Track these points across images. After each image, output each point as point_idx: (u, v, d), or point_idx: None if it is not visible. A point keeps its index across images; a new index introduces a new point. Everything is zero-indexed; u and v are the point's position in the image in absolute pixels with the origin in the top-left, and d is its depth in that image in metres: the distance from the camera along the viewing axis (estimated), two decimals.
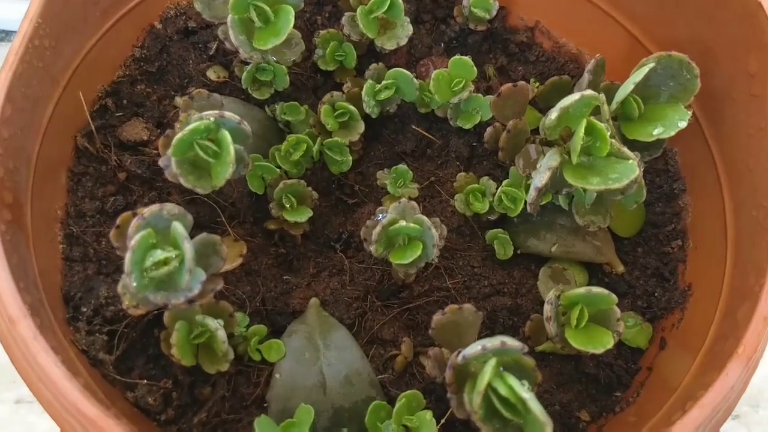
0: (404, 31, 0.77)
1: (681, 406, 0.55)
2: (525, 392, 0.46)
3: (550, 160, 0.60)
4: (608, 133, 0.57)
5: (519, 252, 0.75)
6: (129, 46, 0.80)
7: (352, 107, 0.74)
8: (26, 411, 0.86)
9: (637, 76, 0.64)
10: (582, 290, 0.59)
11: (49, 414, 0.51)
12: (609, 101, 0.64)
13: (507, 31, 0.88)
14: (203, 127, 0.56)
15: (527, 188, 0.69)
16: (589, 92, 0.59)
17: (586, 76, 0.68)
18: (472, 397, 0.48)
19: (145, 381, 0.61)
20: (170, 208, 0.51)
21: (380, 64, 0.78)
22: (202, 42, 0.82)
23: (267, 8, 0.64)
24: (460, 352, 0.50)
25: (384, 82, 0.75)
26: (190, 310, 0.58)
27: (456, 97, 0.74)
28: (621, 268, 0.75)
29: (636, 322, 0.72)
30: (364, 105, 0.75)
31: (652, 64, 0.64)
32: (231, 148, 0.56)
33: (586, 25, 0.84)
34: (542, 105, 0.81)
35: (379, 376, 0.66)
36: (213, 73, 0.80)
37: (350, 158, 0.75)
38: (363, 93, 0.75)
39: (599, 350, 0.58)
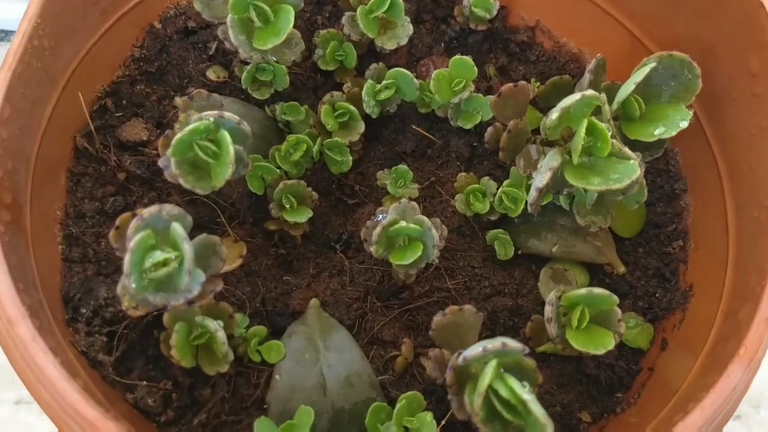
0: (404, 30, 0.76)
1: (683, 407, 0.55)
2: (526, 394, 0.46)
3: (551, 160, 0.60)
4: (609, 134, 0.57)
5: (520, 252, 0.74)
6: (128, 46, 0.80)
7: (352, 107, 0.74)
8: (26, 412, 0.86)
9: (639, 75, 0.63)
10: (583, 291, 0.59)
11: (47, 415, 0.50)
12: (610, 101, 0.64)
13: (508, 31, 0.88)
14: (203, 127, 0.56)
15: (528, 188, 0.69)
16: (590, 92, 0.58)
17: (587, 76, 0.68)
18: (472, 398, 0.48)
19: (145, 382, 0.61)
20: (169, 209, 0.51)
21: (380, 63, 0.78)
22: (201, 42, 0.82)
23: (267, 8, 0.63)
24: (460, 354, 0.50)
25: (384, 82, 0.74)
26: (189, 311, 0.58)
27: (456, 97, 0.74)
28: (622, 269, 0.75)
29: (637, 322, 0.72)
30: (365, 105, 0.75)
31: (653, 64, 0.64)
32: (230, 149, 0.56)
33: (586, 24, 0.84)
34: (543, 105, 0.81)
35: (380, 377, 0.66)
36: (213, 73, 0.80)
37: (350, 158, 0.75)
38: (363, 93, 0.75)
39: (600, 351, 0.57)
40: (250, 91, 0.77)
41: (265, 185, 0.71)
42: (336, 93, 0.76)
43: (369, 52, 0.81)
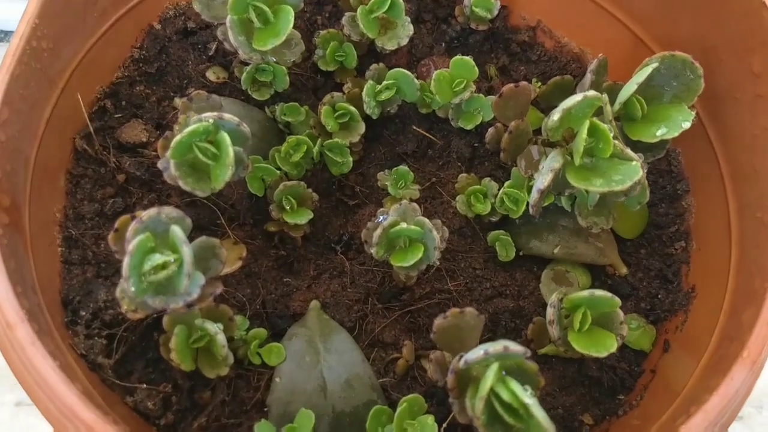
0: (405, 31, 0.76)
1: (685, 410, 0.54)
2: (528, 397, 0.45)
3: (552, 161, 0.60)
4: (611, 135, 0.56)
5: (521, 254, 0.74)
6: (128, 46, 0.79)
7: (352, 108, 0.74)
8: (26, 414, 0.86)
9: (640, 76, 0.63)
10: (585, 293, 0.58)
11: (46, 419, 0.50)
12: (612, 102, 0.64)
13: (508, 31, 0.88)
14: (202, 129, 0.55)
15: (529, 189, 0.69)
16: (592, 93, 0.58)
17: (588, 77, 0.68)
18: (474, 402, 0.48)
19: (145, 385, 0.61)
20: (169, 211, 0.51)
21: (381, 64, 0.77)
22: (201, 42, 0.82)
23: (266, 9, 0.63)
24: (462, 357, 0.49)
25: (385, 83, 0.74)
26: (189, 314, 0.57)
27: (457, 98, 0.74)
28: (624, 270, 0.74)
29: (639, 324, 0.72)
30: (365, 106, 0.75)
31: (655, 64, 0.64)
32: (230, 150, 0.55)
33: (588, 24, 0.83)
34: (544, 105, 0.81)
35: (380, 380, 0.65)
36: (212, 74, 0.80)
37: (351, 159, 0.74)
38: (363, 94, 0.74)
39: (602, 354, 0.57)
40: (249, 92, 0.76)
41: (265, 186, 0.71)
42: (336, 94, 0.75)
43: (369, 53, 0.81)
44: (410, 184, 0.76)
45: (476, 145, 0.80)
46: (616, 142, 0.57)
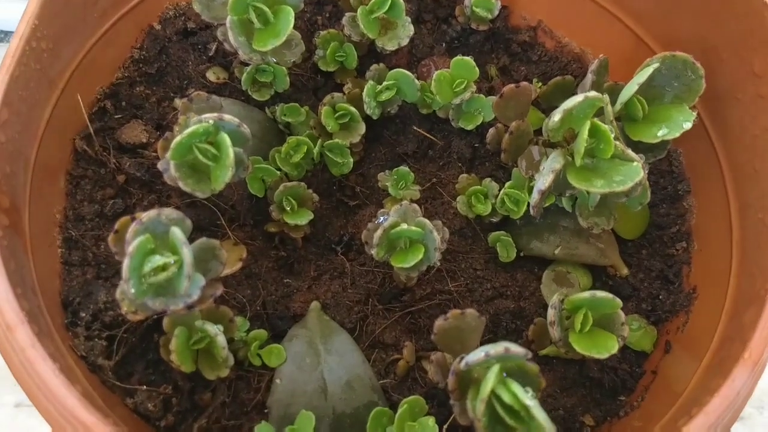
0: (405, 31, 0.76)
1: (687, 411, 0.54)
2: (529, 399, 0.45)
3: (553, 162, 0.60)
4: (612, 135, 0.56)
5: (522, 254, 0.74)
6: (128, 47, 0.79)
7: (352, 108, 0.74)
8: (26, 415, 0.86)
9: (641, 76, 0.63)
10: (586, 294, 0.58)
11: (46, 421, 0.50)
12: (613, 102, 0.64)
13: (509, 31, 0.87)
14: (202, 130, 0.55)
15: (530, 190, 0.69)
16: (593, 94, 0.58)
17: (589, 77, 0.68)
18: (475, 404, 0.48)
19: (145, 387, 0.61)
20: (169, 212, 0.50)
21: (381, 64, 0.77)
22: (201, 43, 0.82)
23: (266, 9, 0.63)
24: (462, 358, 0.49)
25: (385, 83, 0.74)
26: (189, 315, 0.57)
27: (458, 98, 0.73)
28: (625, 271, 0.74)
29: (640, 325, 0.72)
30: (365, 106, 0.74)
31: (656, 65, 0.64)
32: (230, 151, 0.55)
33: (589, 24, 0.83)
34: (545, 105, 0.80)
35: (381, 381, 0.65)
36: (212, 75, 0.80)
37: (351, 160, 0.74)
38: (364, 94, 0.74)
39: (604, 355, 0.57)
40: (250, 93, 0.76)
41: (265, 187, 0.71)
42: (336, 94, 0.75)
43: (370, 53, 0.81)
44: (411, 185, 0.76)
45: (477, 145, 0.80)
46: (617, 142, 0.57)
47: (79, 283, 0.65)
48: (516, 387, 0.46)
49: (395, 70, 0.74)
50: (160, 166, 0.57)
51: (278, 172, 0.71)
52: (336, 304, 0.69)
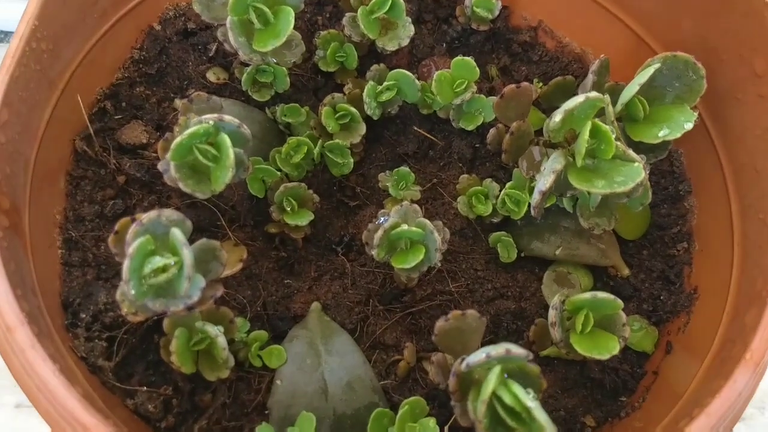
0: (406, 31, 0.76)
1: (688, 412, 0.54)
2: (530, 401, 0.45)
3: (554, 162, 0.59)
4: (613, 136, 0.56)
5: (523, 255, 0.74)
6: (128, 47, 0.79)
7: (353, 109, 0.74)
8: (26, 416, 0.86)
9: (642, 77, 0.63)
10: (587, 295, 0.58)
11: (46, 422, 0.50)
12: (614, 102, 0.64)
13: (510, 31, 0.87)
14: (202, 131, 0.55)
15: (531, 190, 0.69)
16: (594, 94, 0.58)
17: (590, 77, 0.68)
18: (476, 405, 0.47)
19: (145, 388, 0.61)
20: (169, 214, 0.50)
21: (382, 65, 0.77)
22: (201, 43, 0.82)
23: (266, 9, 0.63)
24: (463, 360, 0.49)
25: (385, 84, 0.74)
26: (189, 316, 0.57)
27: (458, 98, 0.73)
28: (626, 271, 0.74)
29: (641, 325, 0.71)
30: (366, 106, 0.74)
31: (657, 65, 0.64)
32: (230, 152, 0.55)
33: (589, 24, 0.83)
34: (546, 105, 0.80)
35: (382, 382, 0.65)
36: (213, 75, 0.80)
37: (351, 160, 0.74)
38: (364, 94, 0.74)
39: (605, 356, 0.57)
40: (250, 93, 0.76)
41: (265, 188, 0.71)
42: (337, 94, 0.75)
43: (370, 53, 0.80)
44: (411, 185, 0.76)
45: (477, 145, 0.79)
46: (618, 143, 0.57)
47: (79, 284, 0.65)
48: (517, 388, 0.46)
49: (396, 70, 0.74)
50: (160, 166, 0.57)
51: (278, 173, 0.71)
52: (336, 305, 0.69)
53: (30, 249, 0.60)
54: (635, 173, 0.55)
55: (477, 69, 0.72)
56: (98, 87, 0.75)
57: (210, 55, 0.81)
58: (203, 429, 0.61)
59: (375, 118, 0.76)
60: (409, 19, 0.76)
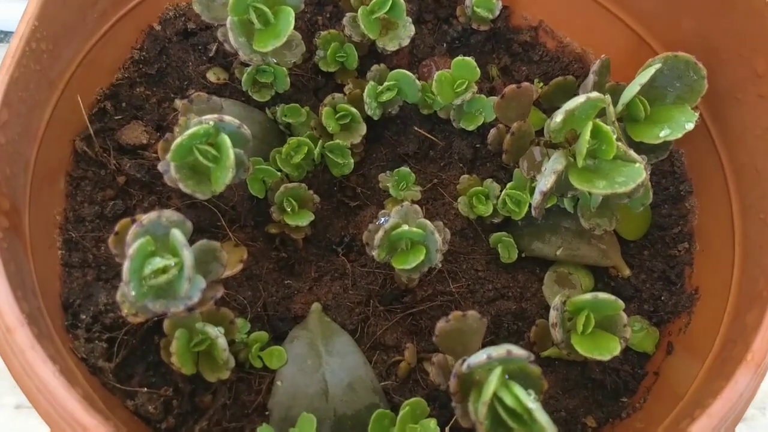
0: (406, 31, 0.76)
1: (689, 413, 0.54)
2: (531, 402, 0.45)
3: (555, 163, 0.59)
4: (614, 136, 0.56)
5: (523, 255, 0.74)
6: (128, 48, 0.79)
7: (353, 109, 0.73)
8: (26, 416, 0.86)
9: (643, 77, 0.63)
10: (588, 296, 0.58)
11: (47, 423, 0.50)
12: (614, 102, 0.63)
13: (510, 31, 0.87)
14: (202, 131, 0.55)
15: (531, 191, 0.69)
16: (594, 94, 0.58)
17: (591, 77, 0.67)
18: (477, 406, 0.47)
19: (146, 389, 0.61)
20: (169, 215, 0.50)
21: (382, 65, 0.77)
22: (201, 44, 0.82)
23: (267, 10, 0.63)
24: (464, 361, 0.49)
25: (386, 84, 0.74)
26: (190, 317, 0.57)
27: (459, 99, 0.73)
28: (627, 272, 0.74)
29: (642, 326, 0.71)
30: (366, 107, 0.74)
31: (658, 65, 0.63)
32: (231, 153, 0.55)
33: (590, 24, 0.83)
34: (546, 106, 0.80)
35: (383, 383, 0.65)
36: (213, 75, 0.79)
37: (352, 161, 0.74)
38: (365, 95, 0.74)
39: (606, 357, 0.57)
40: (250, 93, 0.76)
41: (266, 188, 0.71)
42: (337, 95, 0.75)
43: (370, 54, 0.80)
44: (412, 186, 0.76)
45: (478, 146, 0.79)
46: (619, 143, 0.57)
47: (79, 284, 0.65)
48: (518, 389, 0.46)
49: (396, 70, 0.74)
50: (160, 167, 0.57)
51: (279, 173, 0.70)
52: (337, 306, 0.69)
53: (30, 250, 0.60)
54: (636, 174, 0.55)
55: (477, 69, 0.72)
56: (98, 87, 0.75)
57: (210, 55, 0.81)
58: (204, 430, 0.61)
59: (375, 118, 0.76)
60: (410, 19, 0.76)
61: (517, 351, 0.47)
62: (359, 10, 0.73)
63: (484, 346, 0.51)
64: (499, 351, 0.47)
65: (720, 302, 0.66)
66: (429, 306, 0.70)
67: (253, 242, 0.72)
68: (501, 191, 0.72)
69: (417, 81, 0.74)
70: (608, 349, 0.57)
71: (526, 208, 0.71)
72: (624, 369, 0.70)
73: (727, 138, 0.70)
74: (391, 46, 0.75)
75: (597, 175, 0.57)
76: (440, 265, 0.65)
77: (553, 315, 0.59)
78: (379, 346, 0.68)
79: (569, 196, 0.65)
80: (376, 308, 0.69)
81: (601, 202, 0.65)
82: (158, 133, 0.75)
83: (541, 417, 0.44)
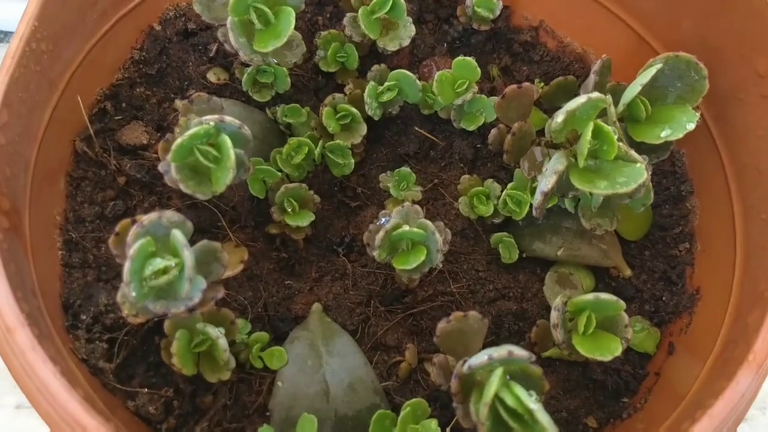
0: (406, 31, 0.76)
1: (691, 414, 0.54)
2: (533, 403, 0.45)
3: (556, 163, 0.59)
4: (615, 136, 0.56)
5: (524, 255, 0.74)
6: (128, 48, 0.79)
7: (354, 109, 0.73)
8: (26, 416, 0.86)
9: (644, 77, 0.62)
10: (589, 296, 0.58)
11: (47, 424, 0.50)
12: (615, 102, 0.63)
13: (511, 31, 0.87)
14: (203, 132, 0.55)
15: (532, 191, 0.68)
16: (595, 95, 0.57)
17: (592, 77, 0.67)
18: (478, 407, 0.47)
19: (146, 389, 0.61)
20: (169, 215, 0.50)
21: (382, 65, 0.77)
22: (201, 44, 0.81)
23: (267, 10, 0.62)
24: (465, 361, 0.49)
25: (386, 84, 0.74)
26: (190, 318, 0.57)
27: (459, 99, 0.73)
28: (628, 272, 0.74)
29: (643, 326, 0.71)
30: (367, 107, 0.74)
31: (659, 65, 0.63)
32: (231, 153, 0.55)
33: (591, 24, 0.83)
34: (547, 106, 0.80)
35: (383, 384, 0.65)
36: (213, 76, 0.79)
37: (352, 161, 0.74)
38: (365, 95, 0.74)
39: (607, 357, 0.57)
40: (250, 94, 0.76)
41: (266, 188, 0.71)
42: (338, 95, 0.75)
43: (371, 54, 0.80)
44: (412, 186, 0.76)
45: (479, 146, 0.79)
46: (621, 144, 0.57)
47: (79, 285, 0.65)
48: (519, 390, 0.46)
49: (397, 70, 0.74)
50: (160, 167, 0.57)
51: (279, 174, 0.70)
52: (338, 306, 0.69)
53: (30, 250, 0.60)
54: (637, 174, 0.55)
55: (478, 69, 0.72)
56: (98, 87, 0.75)
57: (210, 55, 0.81)
58: (204, 431, 0.60)
59: (376, 118, 0.76)
60: (410, 19, 0.75)
61: (519, 351, 0.47)
62: (360, 10, 0.73)
63: (485, 346, 0.51)
64: (500, 351, 0.47)
65: (721, 303, 0.65)
66: (430, 306, 0.70)
67: (254, 243, 0.72)
68: (502, 191, 0.72)
69: (417, 81, 0.74)
70: (609, 350, 0.57)
71: (526, 209, 0.71)
72: (625, 369, 0.70)
73: (728, 138, 0.70)
74: (392, 46, 0.75)
75: (598, 176, 0.57)
76: (441, 266, 0.65)
77: (554, 315, 0.59)
78: (380, 347, 0.68)
79: (570, 196, 0.65)
80: (376, 308, 0.69)
81: (602, 203, 0.65)
82: (158, 134, 0.75)
83: (543, 417, 0.44)
